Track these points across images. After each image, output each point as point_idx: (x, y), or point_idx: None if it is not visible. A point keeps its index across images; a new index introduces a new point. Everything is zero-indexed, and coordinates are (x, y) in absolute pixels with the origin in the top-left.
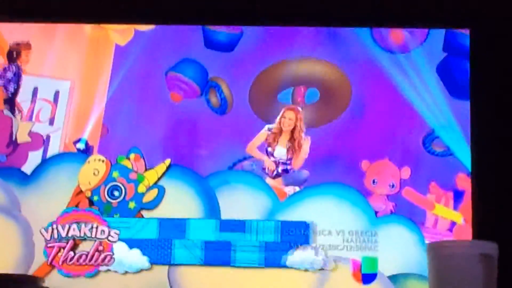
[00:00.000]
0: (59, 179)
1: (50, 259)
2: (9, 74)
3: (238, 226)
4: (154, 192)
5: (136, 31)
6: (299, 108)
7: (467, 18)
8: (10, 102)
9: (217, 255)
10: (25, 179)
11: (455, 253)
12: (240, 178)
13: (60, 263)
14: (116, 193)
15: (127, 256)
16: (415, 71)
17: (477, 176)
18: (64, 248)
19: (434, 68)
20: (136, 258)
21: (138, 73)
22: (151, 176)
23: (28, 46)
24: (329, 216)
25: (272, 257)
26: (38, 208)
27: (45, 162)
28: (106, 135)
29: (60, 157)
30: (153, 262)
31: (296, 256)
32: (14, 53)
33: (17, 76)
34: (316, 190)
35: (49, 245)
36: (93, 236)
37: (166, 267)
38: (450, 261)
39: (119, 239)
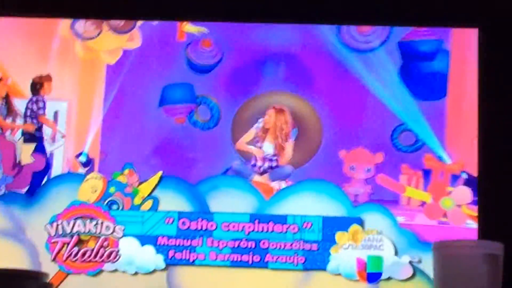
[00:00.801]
0: (60, 199)
1: (53, 254)
2: (35, 106)
3: (275, 221)
4: (149, 203)
5: (124, 50)
6: (283, 108)
7: (476, 17)
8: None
9: (249, 255)
10: (28, 202)
11: (460, 253)
12: (228, 182)
13: (64, 259)
14: (114, 207)
15: (138, 254)
16: (380, 70)
17: (483, 178)
18: (68, 244)
19: (397, 69)
20: (149, 257)
21: (129, 90)
22: (145, 188)
23: (49, 78)
24: (310, 211)
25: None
26: (42, 229)
27: (46, 184)
28: (104, 158)
29: (59, 178)
30: (169, 263)
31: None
32: (38, 85)
33: (44, 106)
34: (298, 188)
35: (52, 240)
36: (98, 232)
37: (183, 268)
38: (455, 261)
39: (131, 235)
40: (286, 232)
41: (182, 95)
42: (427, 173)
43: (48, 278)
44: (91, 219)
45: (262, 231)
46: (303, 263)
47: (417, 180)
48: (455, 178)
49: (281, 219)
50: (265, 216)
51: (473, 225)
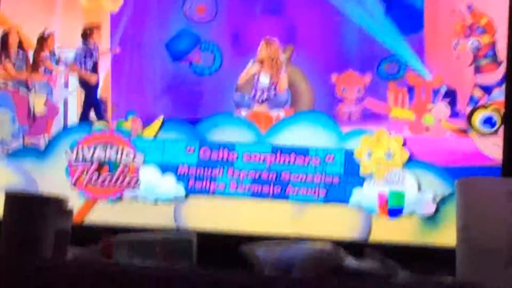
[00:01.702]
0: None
1: (73, 179)
2: (88, 53)
3: (297, 152)
4: None
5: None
6: (272, 40)
7: None
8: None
9: (270, 186)
10: (41, 154)
11: (484, 189)
12: (226, 120)
13: (84, 184)
14: None
15: (159, 182)
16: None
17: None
18: (88, 169)
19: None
20: (170, 185)
21: (132, 36)
22: (149, 133)
23: (98, 25)
24: (304, 142)
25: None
26: (53, 183)
27: (56, 137)
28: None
29: (67, 130)
30: (189, 192)
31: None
32: (88, 32)
33: (94, 53)
34: (292, 120)
35: (73, 165)
36: (119, 159)
37: (203, 198)
38: (478, 198)
39: (152, 163)
40: (307, 164)
41: (188, 41)
42: (411, 90)
43: (68, 203)
44: (112, 145)
45: (283, 162)
46: (325, 196)
47: (403, 96)
48: (435, 93)
49: (303, 151)
50: (286, 148)
51: (453, 136)
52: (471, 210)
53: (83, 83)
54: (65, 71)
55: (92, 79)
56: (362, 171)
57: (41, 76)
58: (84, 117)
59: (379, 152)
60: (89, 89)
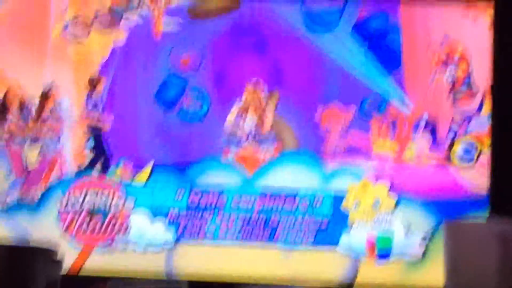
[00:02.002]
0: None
1: (64, 226)
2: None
3: (284, 197)
4: None
5: (113, 48)
6: (258, 85)
7: None
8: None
9: (258, 231)
10: (33, 210)
11: (471, 232)
12: (214, 165)
13: (74, 232)
14: None
15: (149, 228)
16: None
17: (496, 149)
18: (79, 217)
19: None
20: (160, 231)
21: (121, 84)
22: (139, 179)
23: (100, 78)
24: (292, 184)
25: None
26: (47, 234)
27: (50, 189)
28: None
29: (62, 181)
30: (179, 237)
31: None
32: (94, 81)
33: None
34: (279, 160)
35: (64, 212)
36: (109, 205)
37: (193, 243)
38: (465, 241)
39: (142, 209)
40: (296, 207)
41: (176, 87)
42: (393, 124)
43: (58, 253)
44: (103, 191)
45: (272, 206)
46: (313, 239)
47: (386, 128)
48: (416, 124)
49: (291, 195)
50: (276, 192)
51: (435, 169)
52: (458, 254)
53: (92, 130)
54: (67, 123)
55: (102, 125)
56: (351, 220)
57: (43, 131)
58: (91, 165)
59: (367, 202)
60: (98, 136)
